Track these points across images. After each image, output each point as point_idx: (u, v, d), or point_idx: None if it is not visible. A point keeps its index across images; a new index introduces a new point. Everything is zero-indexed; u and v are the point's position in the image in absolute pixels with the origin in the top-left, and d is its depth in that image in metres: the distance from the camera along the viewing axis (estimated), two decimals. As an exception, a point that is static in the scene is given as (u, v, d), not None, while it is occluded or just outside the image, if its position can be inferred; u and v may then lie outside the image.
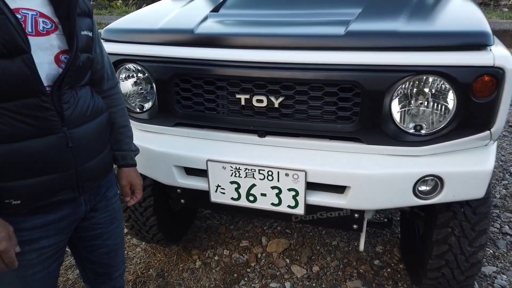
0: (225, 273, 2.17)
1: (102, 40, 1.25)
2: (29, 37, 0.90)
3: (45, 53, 0.95)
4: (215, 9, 1.72)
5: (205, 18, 1.59)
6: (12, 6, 0.88)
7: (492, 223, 2.52)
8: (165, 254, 2.32)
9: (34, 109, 0.93)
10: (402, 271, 2.13)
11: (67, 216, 1.08)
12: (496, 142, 1.45)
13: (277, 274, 2.16)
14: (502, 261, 2.22)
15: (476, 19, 1.35)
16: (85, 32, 1.04)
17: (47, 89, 0.94)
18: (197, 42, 1.44)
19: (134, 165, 1.34)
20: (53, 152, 0.98)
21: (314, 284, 2.08)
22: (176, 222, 2.29)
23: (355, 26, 1.36)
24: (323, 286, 2.07)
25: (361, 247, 1.75)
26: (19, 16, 0.89)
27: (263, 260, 2.26)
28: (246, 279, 2.13)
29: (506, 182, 2.96)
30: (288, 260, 2.25)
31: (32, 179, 0.97)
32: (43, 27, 0.95)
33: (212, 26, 1.51)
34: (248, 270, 2.19)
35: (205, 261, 2.26)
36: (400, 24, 1.36)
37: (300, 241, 2.39)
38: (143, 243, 2.40)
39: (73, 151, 1.03)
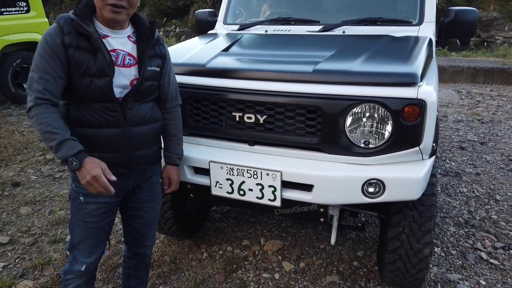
0: (226, 264, 2.59)
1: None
2: (117, 67, 1.48)
3: (125, 78, 1.51)
4: (226, 49, 2.26)
5: (216, 56, 2.12)
6: (111, 47, 1.48)
7: (467, 239, 2.83)
8: (179, 246, 2.79)
9: (109, 110, 1.50)
10: (376, 272, 2.49)
11: (119, 185, 1.59)
12: (432, 158, 1.85)
13: (269, 267, 2.57)
14: (469, 271, 2.52)
15: (412, 63, 1.79)
16: (153, 68, 1.60)
17: (120, 99, 1.50)
18: (206, 74, 1.96)
19: (176, 165, 1.85)
20: (116, 139, 1.54)
21: (299, 277, 2.47)
22: (190, 220, 2.75)
23: (321, 66, 1.83)
24: (306, 278, 2.46)
25: (332, 241, 2.14)
26: (114, 54, 1.48)
27: (259, 256, 2.68)
28: (243, 269, 2.55)
29: (489, 207, 3.26)
30: (280, 257, 2.66)
31: (101, 153, 1.51)
32: (128, 62, 1.53)
33: (219, 62, 2.03)
34: (246, 263, 2.61)
35: (211, 254, 2.70)
36: (355, 65, 1.82)
37: (293, 243, 2.80)
38: (162, 236, 2.88)
39: (128, 141, 1.57)
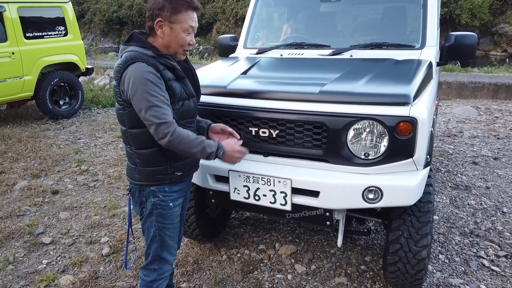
0: (243, 265, 2.84)
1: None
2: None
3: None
4: (244, 72, 2.56)
5: (236, 78, 2.42)
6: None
7: (471, 247, 2.99)
8: (201, 248, 3.06)
9: (190, 123, 1.87)
10: (381, 275, 2.69)
11: (187, 186, 1.99)
12: (427, 168, 2.07)
13: (283, 269, 2.80)
14: (470, 276, 2.69)
15: (407, 84, 2.03)
16: None
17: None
18: (227, 94, 2.26)
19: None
20: None
21: (310, 278, 2.70)
22: (211, 225, 3.02)
23: (327, 87, 2.10)
24: (317, 279, 2.68)
25: (339, 243, 2.36)
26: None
27: (274, 259, 2.92)
28: (259, 270, 2.80)
29: (495, 218, 3.40)
30: (293, 260, 2.89)
31: (184, 160, 1.87)
32: None
33: (238, 84, 2.33)
34: (261, 265, 2.86)
35: (230, 256, 2.96)
36: (357, 86, 2.08)
37: (305, 248, 3.03)
38: (186, 239, 3.16)
39: None
